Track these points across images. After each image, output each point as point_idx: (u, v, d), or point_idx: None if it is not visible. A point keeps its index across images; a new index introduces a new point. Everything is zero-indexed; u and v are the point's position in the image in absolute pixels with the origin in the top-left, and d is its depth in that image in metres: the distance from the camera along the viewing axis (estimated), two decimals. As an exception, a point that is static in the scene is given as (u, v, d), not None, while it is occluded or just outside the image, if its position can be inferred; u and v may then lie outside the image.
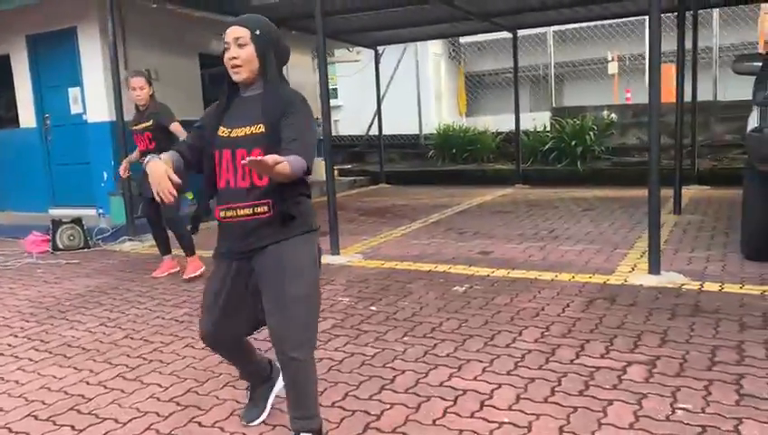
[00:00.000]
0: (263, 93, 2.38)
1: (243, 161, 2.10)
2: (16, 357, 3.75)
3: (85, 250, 7.00)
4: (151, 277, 5.57)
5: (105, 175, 8.25)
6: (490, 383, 3.05)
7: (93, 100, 8.24)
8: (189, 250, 5.44)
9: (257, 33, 2.33)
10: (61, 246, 6.93)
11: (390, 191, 11.50)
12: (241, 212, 2.34)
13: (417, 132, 14.59)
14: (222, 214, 2.39)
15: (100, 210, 7.68)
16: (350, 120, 15.64)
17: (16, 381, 3.39)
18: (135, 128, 5.43)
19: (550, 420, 2.67)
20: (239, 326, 2.54)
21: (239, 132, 2.34)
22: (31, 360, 3.68)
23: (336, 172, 10.22)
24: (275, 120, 2.29)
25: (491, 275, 5.04)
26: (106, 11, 7.17)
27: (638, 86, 14.74)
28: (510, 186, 11.07)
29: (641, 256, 5.37)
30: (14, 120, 9.12)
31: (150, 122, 5.30)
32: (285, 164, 2.08)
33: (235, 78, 2.37)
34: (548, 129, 12.25)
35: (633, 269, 5.02)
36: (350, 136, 15.51)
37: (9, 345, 3.96)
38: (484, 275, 5.05)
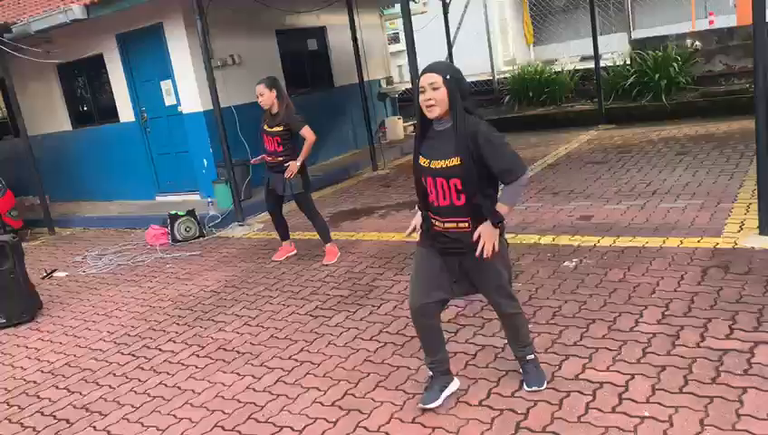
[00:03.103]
0: (452, 127, 2.87)
1: (479, 254, 2.88)
2: (183, 365, 4.22)
3: (200, 239, 7.54)
4: (272, 260, 6.17)
5: (205, 162, 8.73)
6: (623, 374, 3.25)
7: (185, 91, 8.64)
8: (327, 238, 5.90)
9: (447, 77, 2.83)
10: (179, 238, 7.48)
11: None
12: (447, 225, 2.99)
13: (489, 78, 14.41)
14: (432, 223, 3.05)
15: (208, 198, 8.18)
16: (420, 67, 15.53)
17: (192, 390, 3.85)
18: (267, 129, 5.70)
19: (689, 412, 2.85)
20: (438, 301, 3.14)
21: (437, 164, 2.91)
22: (197, 367, 4.15)
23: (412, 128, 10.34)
24: (468, 153, 2.82)
25: (598, 245, 5.18)
26: (189, 5, 7.42)
27: (716, 4, 13.92)
28: (593, 127, 10.92)
29: (747, 211, 5.36)
30: (114, 116, 9.68)
31: (281, 127, 5.61)
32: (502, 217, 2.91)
33: (430, 115, 2.91)
34: (628, 62, 11.87)
35: (741, 228, 5.03)
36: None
37: (173, 352, 4.45)
38: (591, 246, 5.19)
